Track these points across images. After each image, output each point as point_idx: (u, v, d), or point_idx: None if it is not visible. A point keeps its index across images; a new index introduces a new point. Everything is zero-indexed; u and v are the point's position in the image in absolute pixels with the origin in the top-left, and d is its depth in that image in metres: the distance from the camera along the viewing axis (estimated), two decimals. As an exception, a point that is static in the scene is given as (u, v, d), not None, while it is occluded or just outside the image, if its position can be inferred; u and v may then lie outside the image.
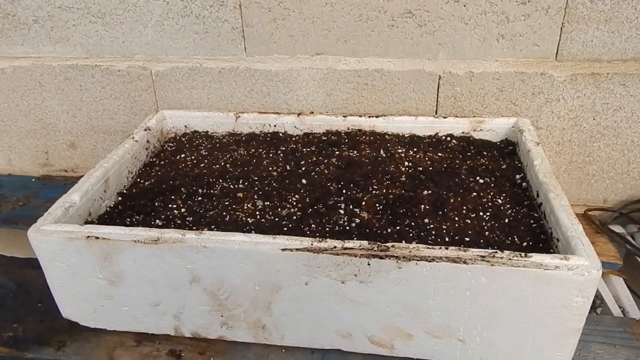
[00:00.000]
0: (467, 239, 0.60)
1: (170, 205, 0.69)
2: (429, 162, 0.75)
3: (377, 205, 0.66)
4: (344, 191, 0.69)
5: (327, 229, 0.62)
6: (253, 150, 0.82)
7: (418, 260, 0.52)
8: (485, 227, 0.62)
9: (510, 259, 0.51)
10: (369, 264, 0.53)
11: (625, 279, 0.76)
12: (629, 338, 0.63)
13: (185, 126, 0.90)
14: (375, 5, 0.80)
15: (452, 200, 0.66)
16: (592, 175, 0.87)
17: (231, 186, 0.72)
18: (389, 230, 0.61)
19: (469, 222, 0.63)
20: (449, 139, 0.82)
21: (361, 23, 0.82)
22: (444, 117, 0.83)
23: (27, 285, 0.75)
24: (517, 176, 0.71)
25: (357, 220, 0.63)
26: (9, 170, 1.08)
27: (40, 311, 0.70)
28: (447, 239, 0.60)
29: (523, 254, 0.51)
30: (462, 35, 0.80)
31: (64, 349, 0.64)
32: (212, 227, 0.64)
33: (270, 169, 0.76)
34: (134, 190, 0.73)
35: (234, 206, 0.68)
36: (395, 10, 0.80)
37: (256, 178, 0.74)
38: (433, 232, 0.61)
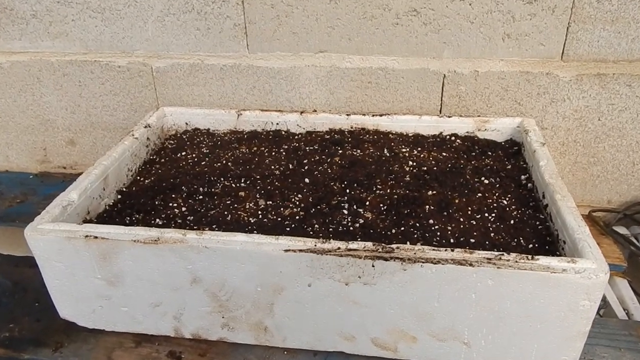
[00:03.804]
0: (472, 240, 0.59)
1: (170, 204, 0.68)
2: (433, 162, 0.75)
3: (381, 205, 0.65)
4: (347, 191, 0.69)
5: (330, 229, 0.61)
6: (255, 148, 0.81)
7: (423, 262, 0.51)
8: (491, 229, 0.61)
9: (517, 262, 0.50)
10: (373, 266, 0.53)
11: (629, 280, 0.76)
12: (634, 341, 0.62)
13: (186, 123, 0.89)
14: (380, 3, 0.79)
15: (457, 201, 0.66)
16: (596, 176, 0.86)
17: (233, 185, 0.72)
18: (394, 231, 0.61)
19: (474, 223, 0.62)
20: (453, 138, 0.81)
21: (365, 21, 0.81)
22: (449, 117, 0.82)
23: (23, 284, 0.74)
24: (523, 177, 0.71)
25: (361, 221, 0.63)
26: (6, 167, 1.07)
27: (37, 311, 0.69)
28: (452, 241, 0.59)
29: (530, 257, 0.51)
30: (468, 34, 0.79)
31: (61, 349, 0.63)
32: (214, 226, 0.63)
33: (272, 167, 0.75)
34: (134, 189, 0.72)
35: (235, 205, 0.67)
36: (400, 8, 0.79)
37: (258, 177, 0.73)
38: (438, 233, 0.60)
